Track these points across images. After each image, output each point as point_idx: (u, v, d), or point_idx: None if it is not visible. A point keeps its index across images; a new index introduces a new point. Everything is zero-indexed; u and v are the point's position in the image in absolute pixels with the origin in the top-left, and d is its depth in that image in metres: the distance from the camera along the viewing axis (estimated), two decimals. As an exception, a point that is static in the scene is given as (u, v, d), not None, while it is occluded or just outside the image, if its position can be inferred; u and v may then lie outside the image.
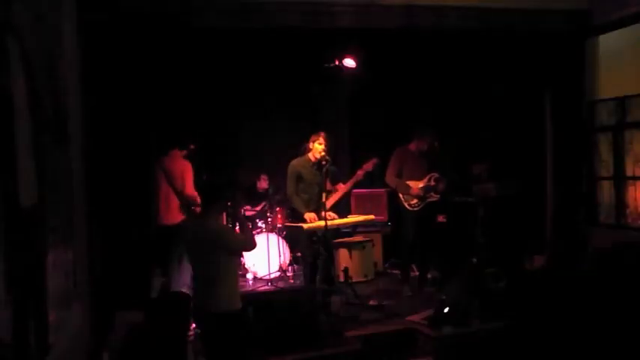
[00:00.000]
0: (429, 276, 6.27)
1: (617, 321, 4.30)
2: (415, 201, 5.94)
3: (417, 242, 6.07)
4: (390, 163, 5.99)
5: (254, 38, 5.68)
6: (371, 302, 5.57)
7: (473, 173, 6.03)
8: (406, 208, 5.98)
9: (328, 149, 5.28)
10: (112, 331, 3.96)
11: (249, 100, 7.33)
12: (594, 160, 5.99)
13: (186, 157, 5.61)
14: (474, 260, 5.92)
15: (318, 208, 5.25)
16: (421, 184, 5.94)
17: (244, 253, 6.38)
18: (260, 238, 6.46)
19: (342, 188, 5.48)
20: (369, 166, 5.47)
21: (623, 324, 4.24)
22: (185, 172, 5.47)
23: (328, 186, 5.37)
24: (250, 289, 6.34)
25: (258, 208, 7.15)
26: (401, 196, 6.02)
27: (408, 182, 5.95)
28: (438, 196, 5.98)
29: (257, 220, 6.94)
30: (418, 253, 6.27)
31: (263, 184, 7.38)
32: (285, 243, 6.76)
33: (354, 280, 6.02)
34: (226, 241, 3.64)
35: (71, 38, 3.53)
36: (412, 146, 6.04)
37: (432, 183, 5.95)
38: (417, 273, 6.57)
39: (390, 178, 6.00)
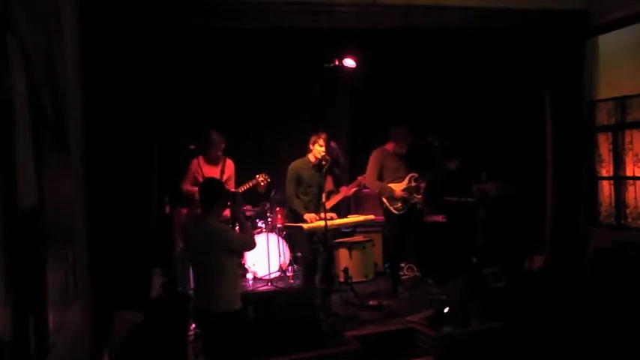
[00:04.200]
0: (429, 281, 6.26)
1: (617, 320, 4.31)
2: (400, 205, 5.87)
3: (404, 245, 6.07)
4: (368, 166, 5.87)
5: (254, 38, 5.69)
6: (371, 302, 5.57)
7: (448, 169, 5.94)
8: (392, 212, 5.89)
9: (329, 150, 5.28)
10: (112, 331, 3.96)
11: (249, 100, 7.33)
12: (594, 160, 5.99)
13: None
14: (474, 260, 5.93)
15: (318, 209, 5.25)
16: (403, 186, 5.90)
17: (244, 253, 6.38)
18: (260, 238, 6.46)
19: (344, 191, 5.49)
20: None
21: (623, 323, 4.24)
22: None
23: (330, 187, 5.37)
24: (250, 289, 6.34)
25: (258, 209, 7.14)
26: (385, 200, 5.89)
27: (390, 185, 5.87)
28: (420, 196, 5.95)
29: (257, 220, 6.94)
30: (414, 254, 6.28)
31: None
32: (285, 243, 6.77)
33: (354, 280, 6.02)
34: (226, 240, 3.65)
35: (71, 38, 3.53)
36: (388, 147, 5.96)
37: (413, 184, 5.91)
38: (417, 273, 6.59)
39: (371, 181, 5.84)
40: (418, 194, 5.94)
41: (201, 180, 5.31)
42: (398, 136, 5.94)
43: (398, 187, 5.88)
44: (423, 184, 5.91)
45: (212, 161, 5.62)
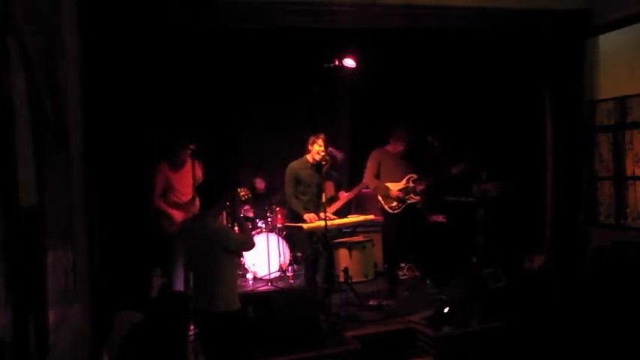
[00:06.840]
0: (428, 281, 6.26)
1: (617, 320, 4.31)
2: (395, 204, 5.90)
3: (401, 245, 6.06)
4: (367, 164, 5.95)
5: (254, 39, 5.70)
6: (371, 302, 5.58)
7: (452, 174, 5.99)
8: (387, 210, 5.95)
9: (328, 150, 5.29)
10: (112, 331, 3.96)
11: (249, 100, 7.33)
12: (594, 160, 5.99)
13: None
14: (474, 260, 5.92)
15: (318, 209, 5.26)
16: (400, 186, 5.91)
17: (244, 253, 6.39)
18: (260, 238, 6.46)
19: (343, 197, 5.51)
20: None
21: (623, 323, 4.24)
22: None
23: (331, 192, 5.38)
24: (250, 289, 6.34)
25: (255, 209, 7.12)
26: (380, 198, 5.96)
27: (387, 184, 5.92)
28: (418, 197, 5.96)
29: (257, 220, 6.94)
30: (413, 254, 6.27)
31: (259, 184, 7.37)
32: (285, 243, 6.77)
33: (354, 280, 6.02)
34: (225, 240, 3.65)
35: (71, 38, 3.53)
36: (389, 147, 6.01)
37: (411, 184, 5.93)
38: (417, 273, 6.58)
39: (369, 179, 5.93)
40: (416, 195, 5.94)
41: (175, 187, 5.22)
42: (396, 136, 5.98)
43: (394, 187, 5.90)
44: (420, 186, 5.91)
45: (178, 166, 5.29)
